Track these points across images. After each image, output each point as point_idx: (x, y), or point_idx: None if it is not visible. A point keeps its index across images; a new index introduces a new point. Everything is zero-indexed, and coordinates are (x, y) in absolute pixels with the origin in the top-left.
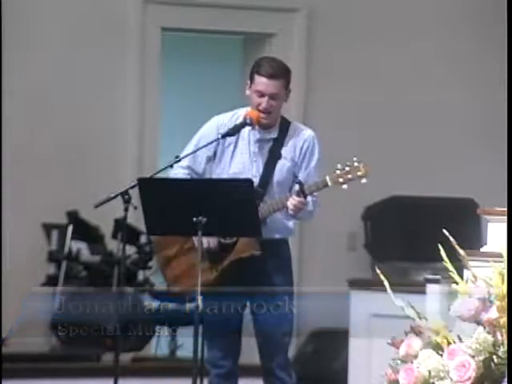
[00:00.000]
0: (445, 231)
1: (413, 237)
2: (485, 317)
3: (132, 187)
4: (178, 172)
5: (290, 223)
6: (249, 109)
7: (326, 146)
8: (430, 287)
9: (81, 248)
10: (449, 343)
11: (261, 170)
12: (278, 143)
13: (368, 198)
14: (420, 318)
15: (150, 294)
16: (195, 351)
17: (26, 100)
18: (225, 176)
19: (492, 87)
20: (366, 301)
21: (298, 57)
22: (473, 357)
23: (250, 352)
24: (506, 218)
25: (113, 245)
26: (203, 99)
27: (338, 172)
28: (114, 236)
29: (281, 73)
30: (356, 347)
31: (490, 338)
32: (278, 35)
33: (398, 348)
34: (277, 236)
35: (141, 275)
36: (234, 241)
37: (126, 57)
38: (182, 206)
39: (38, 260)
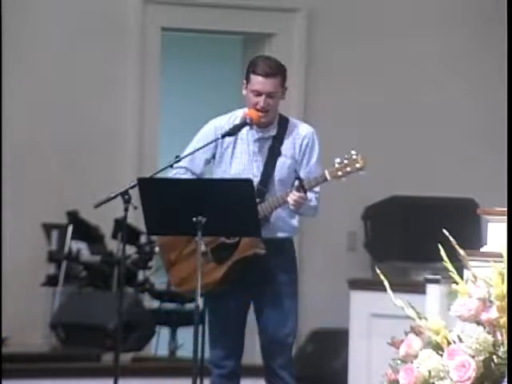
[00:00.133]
0: (445, 231)
1: (413, 237)
2: (485, 317)
3: (132, 187)
4: (177, 172)
5: (295, 222)
6: (246, 110)
7: (325, 145)
8: (430, 287)
9: (81, 248)
10: (449, 343)
11: (261, 168)
12: (278, 141)
13: (368, 198)
14: (420, 318)
15: (149, 294)
16: (195, 351)
17: (26, 100)
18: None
19: (492, 87)
20: (365, 301)
21: (297, 57)
22: (473, 357)
23: (252, 352)
24: (506, 217)
25: (113, 245)
26: (203, 99)
27: (336, 166)
28: (114, 236)
29: (277, 71)
30: (356, 347)
31: (489, 337)
32: (278, 35)
33: (397, 348)
34: (281, 235)
35: (141, 275)
36: (238, 240)
37: (126, 57)
38: (181, 206)
39: (38, 260)
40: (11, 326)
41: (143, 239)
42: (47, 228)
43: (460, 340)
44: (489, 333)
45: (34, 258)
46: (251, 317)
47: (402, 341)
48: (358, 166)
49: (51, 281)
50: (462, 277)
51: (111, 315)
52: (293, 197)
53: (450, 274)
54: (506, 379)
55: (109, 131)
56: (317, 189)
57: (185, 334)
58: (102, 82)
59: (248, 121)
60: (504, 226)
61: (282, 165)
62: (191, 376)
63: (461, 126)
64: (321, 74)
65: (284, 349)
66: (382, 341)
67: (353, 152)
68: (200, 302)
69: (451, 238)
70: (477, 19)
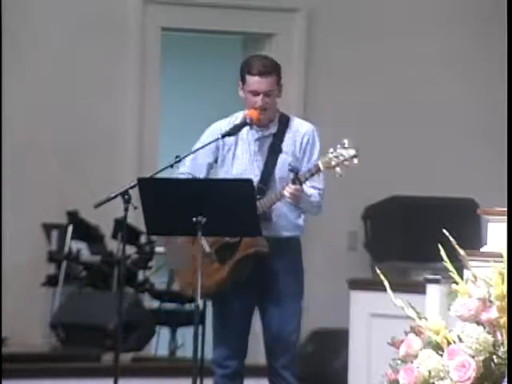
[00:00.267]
0: (445, 231)
1: (413, 237)
2: (485, 317)
3: (132, 187)
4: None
5: (300, 220)
6: (246, 111)
7: (325, 145)
8: (430, 287)
9: (81, 248)
10: (449, 343)
11: (262, 167)
12: (278, 138)
13: (368, 198)
14: (420, 318)
15: (149, 294)
16: (195, 351)
17: (26, 100)
18: None
19: (492, 87)
20: (365, 301)
21: (297, 57)
22: (473, 357)
23: (255, 352)
24: (506, 217)
25: (113, 245)
26: (203, 99)
27: (329, 156)
28: (114, 236)
29: (271, 69)
30: (356, 347)
31: (489, 338)
32: (278, 35)
33: (398, 348)
34: (286, 234)
35: (141, 275)
36: (240, 239)
37: (126, 57)
38: (181, 206)
39: (38, 260)
40: (11, 326)
41: (143, 239)
42: (47, 228)
43: (460, 340)
44: (489, 333)
45: (34, 258)
46: (255, 317)
47: (402, 341)
48: (350, 154)
49: (51, 281)
50: (462, 277)
51: (111, 315)
52: (289, 189)
53: (450, 273)
54: (506, 379)
55: (109, 131)
56: (320, 185)
57: (185, 334)
58: (102, 82)
59: (248, 121)
60: (504, 226)
61: (283, 162)
62: (191, 376)
63: (461, 126)
64: (321, 74)
65: (287, 348)
66: (382, 341)
67: (345, 141)
68: (200, 302)
69: (451, 238)
70: (477, 19)
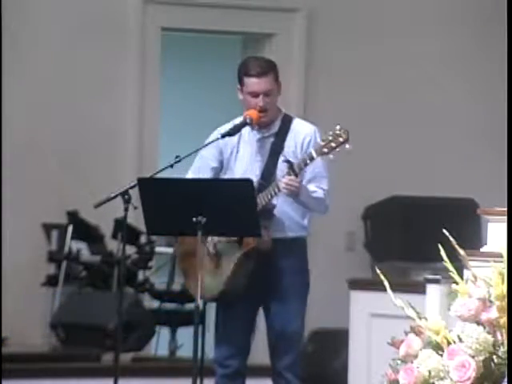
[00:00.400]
0: (445, 231)
1: (413, 237)
2: (485, 317)
3: (132, 187)
4: None
5: (305, 221)
6: (246, 111)
7: None
8: (430, 287)
9: (81, 248)
10: (449, 343)
11: (263, 165)
12: (280, 138)
13: (368, 198)
14: (420, 318)
15: (149, 294)
16: (195, 351)
17: (26, 100)
18: None
19: (492, 87)
20: (365, 301)
21: (297, 57)
22: (473, 357)
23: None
24: (506, 217)
25: (113, 245)
26: (203, 99)
27: (321, 143)
28: (114, 236)
29: (268, 69)
30: (356, 347)
31: (489, 338)
32: (278, 35)
33: (398, 348)
34: (290, 234)
35: (141, 275)
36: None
37: (126, 57)
38: (181, 205)
39: (38, 260)
40: (11, 326)
41: (143, 239)
42: (47, 228)
43: (460, 340)
44: (489, 333)
45: (34, 258)
46: (259, 317)
47: (402, 341)
48: (341, 139)
49: (51, 281)
50: (461, 277)
51: (111, 315)
52: (284, 180)
53: (450, 273)
54: (506, 379)
55: (109, 131)
56: (325, 186)
57: (185, 334)
58: (102, 82)
59: (248, 121)
60: (504, 226)
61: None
62: (191, 376)
63: (461, 126)
64: (321, 74)
65: (289, 348)
66: (382, 341)
67: (337, 127)
68: (200, 302)
69: (451, 238)
70: (477, 19)
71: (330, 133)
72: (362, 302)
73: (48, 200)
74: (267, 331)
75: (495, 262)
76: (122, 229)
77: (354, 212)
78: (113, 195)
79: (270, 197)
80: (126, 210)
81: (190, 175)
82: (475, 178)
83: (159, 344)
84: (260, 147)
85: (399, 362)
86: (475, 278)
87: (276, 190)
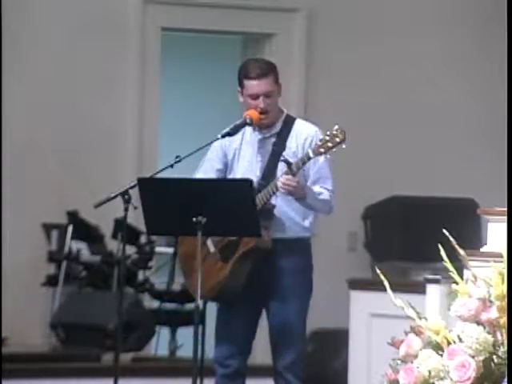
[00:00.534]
0: (445, 231)
1: (413, 237)
2: (485, 317)
3: (132, 187)
4: None
5: (306, 222)
6: (246, 112)
7: None
8: (430, 287)
9: (81, 248)
10: (449, 343)
11: (264, 166)
12: (281, 138)
13: (368, 198)
14: (420, 318)
15: (149, 294)
16: (195, 351)
17: (26, 100)
18: None
19: (492, 87)
20: (365, 301)
21: (297, 57)
22: (473, 357)
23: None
24: (506, 217)
25: (113, 245)
26: (203, 99)
27: (318, 143)
28: (114, 236)
29: (268, 70)
30: (356, 347)
31: (489, 338)
32: (278, 35)
33: (398, 348)
34: (291, 235)
35: (141, 275)
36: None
37: (126, 57)
38: (181, 206)
39: (38, 260)
40: (11, 326)
41: (143, 239)
42: (47, 228)
43: (460, 340)
44: (489, 333)
45: (34, 258)
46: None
47: (402, 341)
48: (337, 140)
49: (51, 281)
50: (461, 277)
51: (111, 315)
52: (281, 180)
53: (450, 273)
54: (506, 379)
55: (109, 131)
56: (329, 187)
57: (185, 334)
58: (102, 82)
59: (248, 121)
60: (504, 226)
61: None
62: (191, 376)
63: (461, 126)
64: (321, 74)
65: (290, 348)
66: (382, 341)
67: (335, 127)
68: (200, 302)
69: (451, 238)
70: (477, 19)
71: (328, 132)
72: (362, 302)
73: (48, 200)
74: (269, 331)
75: (495, 262)
76: (122, 229)
77: (354, 212)
78: (113, 195)
79: (268, 196)
80: (126, 210)
81: (198, 176)
82: (475, 177)
83: (159, 344)
84: (261, 148)
85: (399, 362)
86: (475, 277)
87: (274, 189)
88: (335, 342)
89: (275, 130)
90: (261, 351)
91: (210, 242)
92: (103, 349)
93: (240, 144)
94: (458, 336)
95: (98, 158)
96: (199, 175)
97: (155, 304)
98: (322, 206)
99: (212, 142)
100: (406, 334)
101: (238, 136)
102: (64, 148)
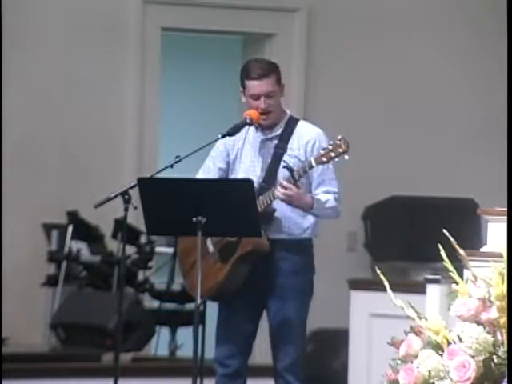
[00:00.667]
0: (445, 231)
1: (413, 237)
2: (485, 317)
3: (132, 187)
4: None
5: (306, 223)
6: (246, 111)
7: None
8: (430, 287)
9: (81, 248)
10: (449, 343)
11: (265, 167)
12: (283, 140)
13: (368, 198)
14: (420, 318)
15: (149, 294)
16: (195, 351)
17: (26, 100)
18: None
19: (492, 87)
20: (365, 301)
21: (297, 57)
22: (473, 357)
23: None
24: (506, 217)
25: (113, 245)
26: (203, 99)
27: (321, 152)
28: (114, 236)
29: (269, 70)
30: (356, 347)
31: (490, 338)
32: (278, 35)
33: (398, 348)
34: (291, 236)
35: (141, 275)
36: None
37: (126, 57)
38: (181, 206)
39: (38, 260)
40: (11, 326)
41: (143, 239)
42: (47, 228)
43: (460, 340)
44: (489, 333)
45: (34, 258)
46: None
47: (402, 341)
48: (340, 150)
49: (51, 281)
50: (461, 277)
51: (111, 315)
52: (281, 190)
53: (450, 273)
54: (506, 379)
55: (109, 131)
56: (335, 189)
57: (185, 334)
58: (102, 82)
59: (248, 121)
60: (504, 226)
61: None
62: (191, 376)
63: (461, 126)
64: (321, 74)
65: (289, 348)
66: (382, 341)
67: (339, 137)
68: (200, 302)
69: (451, 238)
70: (477, 19)
71: (331, 142)
72: (362, 302)
73: (48, 200)
74: (269, 331)
75: (495, 262)
76: (122, 229)
77: (354, 212)
78: (113, 195)
79: (269, 200)
80: (126, 210)
81: (200, 175)
82: (475, 178)
83: (159, 344)
84: (263, 148)
85: (399, 362)
86: (475, 277)
87: (272, 197)
88: (335, 342)
89: (277, 132)
90: (261, 351)
91: (209, 242)
92: (103, 349)
93: (243, 144)
94: (458, 336)
95: (98, 158)
96: (202, 174)
97: (155, 304)
98: (330, 213)
99: (212, 142)
100: (406, 333)
101: (242, 136)
102: (64, 148)
